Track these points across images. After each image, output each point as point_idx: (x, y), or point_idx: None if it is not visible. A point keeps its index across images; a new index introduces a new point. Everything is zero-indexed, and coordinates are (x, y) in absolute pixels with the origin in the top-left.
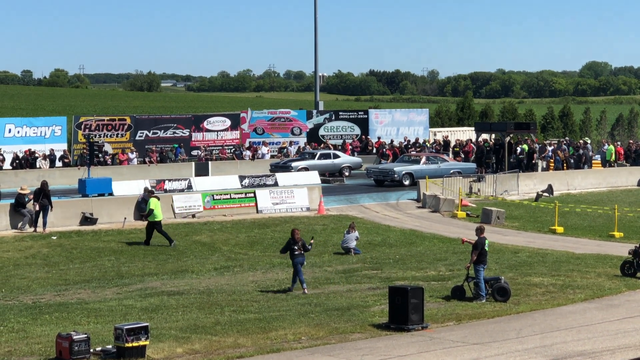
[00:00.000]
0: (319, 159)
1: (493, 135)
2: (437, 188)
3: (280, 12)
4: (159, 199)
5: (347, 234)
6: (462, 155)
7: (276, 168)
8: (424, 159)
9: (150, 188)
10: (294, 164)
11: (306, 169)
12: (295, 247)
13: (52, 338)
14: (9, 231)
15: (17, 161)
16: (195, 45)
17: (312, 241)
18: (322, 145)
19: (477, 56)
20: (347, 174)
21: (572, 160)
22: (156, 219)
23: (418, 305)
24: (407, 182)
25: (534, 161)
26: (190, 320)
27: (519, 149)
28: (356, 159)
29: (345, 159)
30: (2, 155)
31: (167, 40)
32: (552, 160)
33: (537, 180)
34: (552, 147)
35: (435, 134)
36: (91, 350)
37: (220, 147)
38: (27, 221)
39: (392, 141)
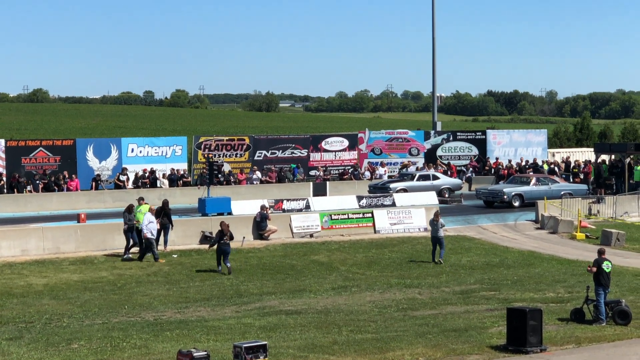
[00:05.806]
0: (417, 180)
1: (612, 156)
2: (555, 209)
3: (398, 32)
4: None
5: (433, 224)
6: (581, 176)
7: (375, 189)
8: (534, 180)
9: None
10: (392, 185)
11: (405, 190)
12: (225, 238)
13: (173, 355)
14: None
15: (139, 180)
16: (313, 66)
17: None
18: (433, 166)
19: (596, 76)
20: (446, 195)
21: None
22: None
23: (536, 327)
24: (516, 204)
25: None
26: (308, 340)
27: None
28: (456, 180)
29: (444, 180)
30: (127, 174)
31: (286, 61)
32: None
33: None
34: None
35: (553, 155)
36: None
37: (341, 168)
38: None
39: (510, 161)
